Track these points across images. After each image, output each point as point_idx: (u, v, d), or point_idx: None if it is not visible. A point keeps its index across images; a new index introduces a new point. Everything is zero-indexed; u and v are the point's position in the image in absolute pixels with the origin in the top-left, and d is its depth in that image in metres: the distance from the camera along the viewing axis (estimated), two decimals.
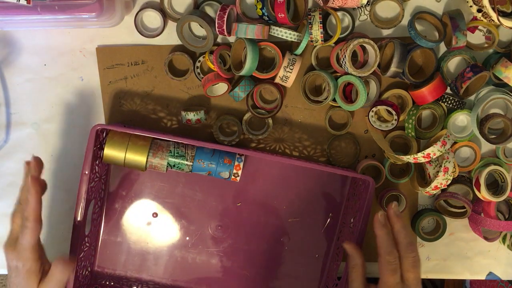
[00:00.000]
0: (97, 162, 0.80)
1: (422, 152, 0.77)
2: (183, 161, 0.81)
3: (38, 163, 0.74)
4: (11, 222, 0.73)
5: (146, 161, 0.79)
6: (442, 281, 1.40)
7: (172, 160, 0.80)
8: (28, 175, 0.73)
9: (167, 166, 0.81)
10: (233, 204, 0.87)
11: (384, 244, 0.71)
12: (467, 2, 0.76)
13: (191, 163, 0.81)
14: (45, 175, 0.88)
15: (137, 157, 0.79)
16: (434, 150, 0.76)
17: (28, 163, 0.74)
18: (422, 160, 0.78)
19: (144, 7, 0.82)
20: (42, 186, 0.72)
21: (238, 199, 0.87)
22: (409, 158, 0.79)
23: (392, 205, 0.73)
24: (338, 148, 0.86)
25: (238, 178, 0.82)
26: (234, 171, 0.81)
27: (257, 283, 0.88)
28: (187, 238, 0.88)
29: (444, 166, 0.77)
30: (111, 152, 0.78)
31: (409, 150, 0.84)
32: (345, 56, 0.76)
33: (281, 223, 0.87)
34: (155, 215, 0.87)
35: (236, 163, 0.81)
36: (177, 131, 0.86)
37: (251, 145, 0.86)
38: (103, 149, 0.79)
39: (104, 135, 0.81)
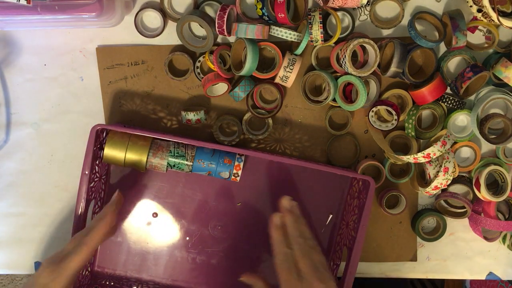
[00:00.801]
0: (97, 162, 0.80)
1: (422, 152, 0.77)
2: (183, 161, 0.81)
3: (121, 199, 0.79)
4: (69, 241, 0.73)
5: (146, 161, 0.79)
6: (442, 281, 1.40)
7: (172, 160, 0.80)
8: (108, 207, 0.76)
9: (167, 166, 0.81)
10: (233, 204, 0.87)
11: (278, 244, 0.72)
12: (467, 2, 0.76)
13: (191, 163, 0.81)
14: (45, 175, 0.88)
15: (137, 157, 0.79)
16: (434, 150, 0.76)
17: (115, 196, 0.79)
18: (422, 160, 0.78)
19: (144, 7, 0.82)
20: (112, 221, 0.75)
21: (238, 199, 0.87)
22: (409, 158, 0.79)
23: (283, 200, 0.74)
24: (338, 148, 0.86)
25: (238, 178, 0.82)
26: (234, 171, 0.81)
27: None
28: (187, 238, 0.88)
29: (444, 166, 0.77)
30: (111, 152, 0.78)
31: (409, 150, 0.84)
32: (345, 56, 0.76)
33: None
34: (155, 215, 0.87)
35: (236, 163, 0.81)
36: (177, 131, 0.86)
37: (251, 145, 0.86)
38: (103, 149, 0.79)
39: (104, 135, 0.81)
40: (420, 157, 0.78)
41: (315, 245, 0.72)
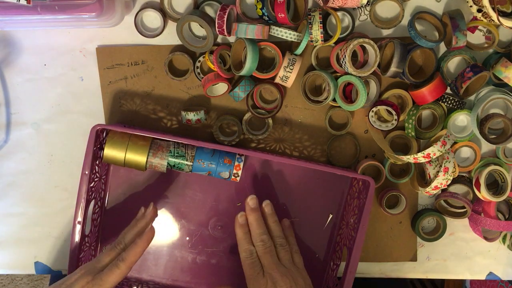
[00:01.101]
0: (97, 162, 0.80)
1: (422, 152, 0.77)
2: (183, 161, 0.81)
3: (155, 212, 0.79)
4: (104, 251, 0.72)
5: (146, 161, 0.79)
6: (442, 281, 1.40)
7: (172, 160, 0.80)
8: (142, 221, 0.76)
9: (167, 166, 0.81)
10: (233, 204, 0.87)
11: (241, 242, 0.75)
12: (467, 2, 0.76)
13: (191, 163, 0.81)
14: (45, 175, 0.88)
15: (137, 157, 0.79)
16: (434, 150, 0.76)
17: (145, 208, 0.78)
18: (422, 160, 0.78)
19: (144, 7, 0.82)
20: (153, 237, 0.74)
21: (238, 199, 0.87)
22: (409, 158, 0.79)
23: (248, 199, 0.78)
24: (338, 148, 0.86)
25: (238, 178, 0.82)
26: (234, 171, 0.81)
27: None
28: (187, 238, 0.88)
29: (444, 166, 0.77)
30: (111, 152, 0.79)
31: (409, 150, 0.84)
32: (345, 56, 0.76)
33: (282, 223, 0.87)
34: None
35: (236, 163, 0.81)
36: (177, 131, 0.86)
37: (251, 145, 0.86)
38: (103, 149, 0.79)
39: (104, 135, 0.81)
40: (420, 157, 0.78)
41: (283, 243, 0.75)
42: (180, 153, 0.81)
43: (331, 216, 0.87)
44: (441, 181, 0.78)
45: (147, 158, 0.79)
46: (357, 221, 0.78)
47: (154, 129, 0.86)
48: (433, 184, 0.79)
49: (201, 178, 0.86)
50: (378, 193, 0.87)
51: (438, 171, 0.79)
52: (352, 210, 0.82)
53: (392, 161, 0.83)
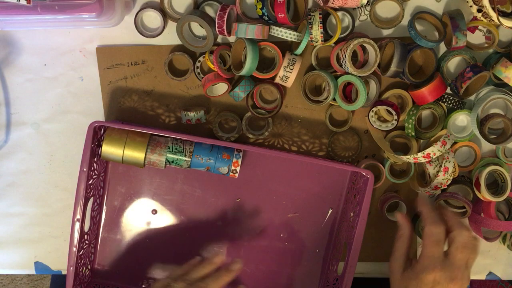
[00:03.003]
0: (95, 159, 0.80)
1: (422, 152, 0.77)
2: (181, 157, 0.80)
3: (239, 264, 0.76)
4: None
5: (145, 157, 0.79)
6: None
7: (171, 156, 0.80)
8: (231, 273, 0.74)
9: (165, 162, 0.81)
10: (233, 200, 0.87)
11: (429, 215, 0.70)
12: (467, 2, 0.76)
13: (190, 159, 0.81)
14: (45, 175, 0.88)
15: (135, 154, 0.79)
16: (434, 150, 0.76)
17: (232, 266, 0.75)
18: (422, 160, 0.78)
19: (144, 7, 0.82)
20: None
21: (237, 195, 0.87)
22: (409, 158, 0.79)
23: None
24: (337, 142, 0.86)
25: (236, 175, 0.82)
26: (233, 167, 0.81)
27: (257, 278, 0.88)
28: (187, 234, 0.88)
29: (444, 166, 0.77)
30: (109, 149, 0.78)
31: (409, 150, 0.84)
32: (345, 56, 0.76)
33: (281, 219, 0.87)
34: (154, 212, 0.87)
35: (234, 159, 0.81)
36: (175, 128, 0.86)
37: (250, 140, 0.86)
38: (101, 146, 0.79)
39: (102, 132, 0.81)
40: (420, 157, 0.78)
41: (475, 243, 0.69)
42: (179, 149, 0.80)
43: (330, 210, 0.87)
44: (441, 181, 0.78)
45: (146, 155, 0.79)
46: (357, 216, 0.78)
47: (153, 125, 0.86)
48: (433, 184, 0.79)
49: (200, 174, 0.86)
50: (379, 195, 0.87)
51: (438, 171, 0.79)
52: (352, 205, 0.82)
53: (392, 161, 0.83)
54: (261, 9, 0.76)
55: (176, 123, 0.86)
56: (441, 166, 0.78)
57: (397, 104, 0.83)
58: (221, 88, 0.84)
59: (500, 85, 0.82)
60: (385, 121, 0.84)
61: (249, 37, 0.76)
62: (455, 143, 0.84)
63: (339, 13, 0.80)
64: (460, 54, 0.80)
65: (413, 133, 0.82)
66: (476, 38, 0.82)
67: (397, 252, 0.73)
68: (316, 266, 0.88)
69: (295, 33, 0.77)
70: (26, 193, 0.89)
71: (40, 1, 0.73)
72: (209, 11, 0.82)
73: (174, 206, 0.87)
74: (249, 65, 0.77)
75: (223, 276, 0.73)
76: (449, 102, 0.82)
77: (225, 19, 0.76)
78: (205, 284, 0.71)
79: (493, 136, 0.83)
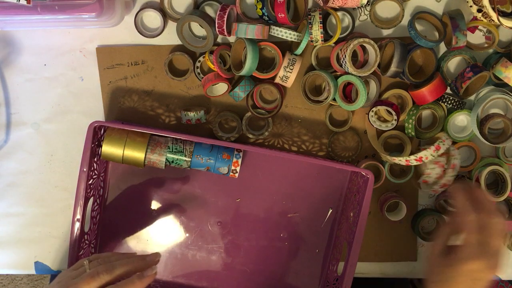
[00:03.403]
0: (95, 159, 0.80)
1: (415, 155, 0.77)
2: (181, 157, 0.80)
3: (157, 257, 0.72)
4: (83, 276, 0.66)
5: (145, 157, 0.79)
6: None
7: (171, 156, 0.80)
8: (140, 261, 0.69)
9: (165, 162, 0.81)
10: (233, 200, 0.87)
11: (465, 204, 0.68)
12: (467, 2, 0.76)
13: (190, 159, 0.81)
14: (45, 175, 0.88)
15: (135, 154, 0.79)
16: (426, 154, 0.77)
17: (150, 256, 0.71)
18: (415, 163, 0.78)
19: (144, 7, 0.82)
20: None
21: (238, 194, 0.87)
22: (401, 160, 0.79)
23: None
24: (337, 142, 0.86)
25: (236, 175, 0.82)
26: (233, 167, 0.81)
27: (257, 278, 0.88)
28: (187, 234, 0.88)
29: (452, 163, 0.78)
30: (109, 149, 0.79)
31: (403, 151, 0.84)
32: (345, 56, 0.76)
33: (281, 218, 0.87)
34: (154, 212, 0.87)
35: (234, 159, 0.81)
36: (175, 128, 0.86)
37: (250, 140, 0.86)
38: (101, 146, 0.79)
39: (102, 132, 0.81)
40: (413, 160, 0.78)
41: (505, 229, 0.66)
42: (179, 149, 0.80)
43: (330, 210, 0.87)
44: (449, 178, 0.78)
45: (146, 155, 0.79)
46: (357, 216, 0.78)
47: (153, 125, 0.86)
48: (442, 182, 0.79)
49: (200, 174, 0.86)
50: (379, 196, 0.87)
51: (438, 172, 0.79)
52: (352, 204, 0.82)
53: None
54: (261, 9, 0.76)
55: (176, 123, 0.86)
56: (443, 166, 0.79)
57: (397, 104, 0.83)
58: (221, 88, 0.84)
59: (500, 85, 0.82)
60: (385, 121, 0.84)
61: (249, 37, 0.76)
62: (455, 143, 0.84)
63: (339, 13, 0.80)
64: (460, 54, 0.80)
65: (413, 133, 0.82)
66: (476, 38, 0.82)
67: (440, 238, 0.70)
68: (316, 266, 0.88)
69: (295, 33, 0.77)
70: (26, 193, 0.89)
71: (40, 1, 0.73)
72: (209, 11, 0.82)
73: (174, 206, 0.87)
74: (249, 65, 0.77)
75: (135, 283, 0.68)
76: (449, 102, 0.82)
77: (225, 19, 0.76)
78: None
79: (493, 136, 0.83)
